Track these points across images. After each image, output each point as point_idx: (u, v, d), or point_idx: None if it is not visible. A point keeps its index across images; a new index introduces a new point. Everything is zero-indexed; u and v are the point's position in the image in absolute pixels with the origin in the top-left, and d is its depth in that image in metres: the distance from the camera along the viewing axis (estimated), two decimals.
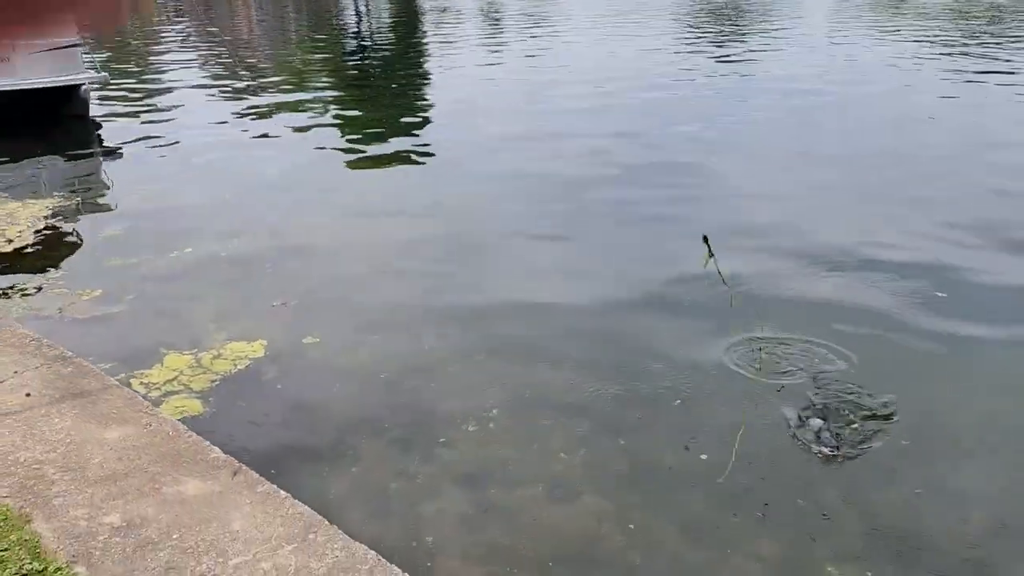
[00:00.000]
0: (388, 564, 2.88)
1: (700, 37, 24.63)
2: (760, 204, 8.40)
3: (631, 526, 3.79)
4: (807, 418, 4.43)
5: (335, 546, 2.95)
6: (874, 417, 4.54)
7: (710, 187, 9.10)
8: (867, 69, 17.68)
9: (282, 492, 3.28)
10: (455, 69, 19.27)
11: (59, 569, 2.78)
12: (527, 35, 26.42)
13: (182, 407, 4.51)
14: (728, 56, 20.04)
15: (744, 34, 25.33)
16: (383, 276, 6.75)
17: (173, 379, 4.85)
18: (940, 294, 6.15)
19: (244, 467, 3.45)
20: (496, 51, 22.18)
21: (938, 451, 4.31)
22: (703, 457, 4.24)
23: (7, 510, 3.08)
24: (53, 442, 3.57)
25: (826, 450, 4.12)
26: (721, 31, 26.42)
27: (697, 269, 6.48)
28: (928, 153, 10.45)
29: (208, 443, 3.62)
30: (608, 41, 24.03)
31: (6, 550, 2.85)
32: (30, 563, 2.79)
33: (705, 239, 3.66)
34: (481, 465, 4.23)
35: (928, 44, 21.48)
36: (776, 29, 26.68)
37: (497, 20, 33.32)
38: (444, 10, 34.40)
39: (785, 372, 5.01)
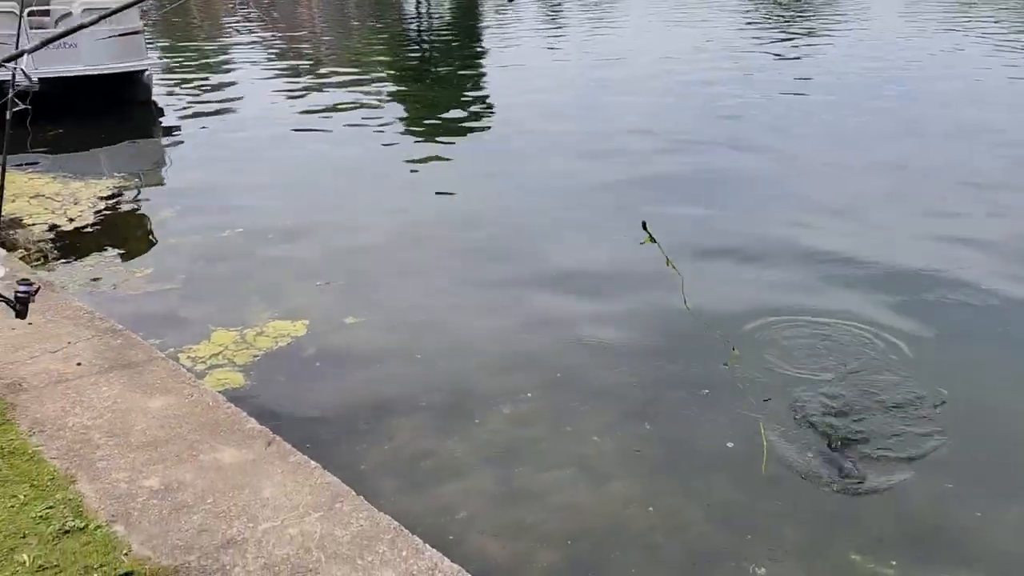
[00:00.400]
0: (410, 534, 2.95)
1: (765, 27, 24.12)
2: (823, 209, 8.03)
3: (656, 509, 3.80)
4: (830, 449, 4.25)
5: (360, 515, 3.03)
6: (914, 409, 4.46)
7: (765, 187, 8.85)
8: (943, 63, 17.10)
9: (312, 463, 3.37)
10: (514, 59, 19.07)
11: (99, 527, 2.91)
12: (587, 26, 26.14)
13: (224, 380, 4.67)
14: (792, 49, 19.58)
15: (809, 27, 24.71)
16: (426, 260, 6.84)
17: (218, 353, 5.02)
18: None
19: (278, 438, 3.56)
20: (555, 42, 21.97)
21: (977, 448, 4.21)
22: (729, 445, 4.22)
23: (54, 471, 3.24)
24: (100, 409, 3.73)
25: (850, 480, 3.98)
26: (784, 21, 25.86)
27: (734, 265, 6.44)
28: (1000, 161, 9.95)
29: (245, 414, 3.73)
30: (670, 32, 23.54)
31: (51, 508, 3.00)
32: (72, 520, 2.93)
33: (644, 225, 3.67)
34: (513, 445, 4.28)
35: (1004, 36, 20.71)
36: (842, 20, 26.02)
37: (557, 11, 33.16)
38: (510, 1, 34.39)
39: (818, 363, 4.94)
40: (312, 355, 5.08)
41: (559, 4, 34.47)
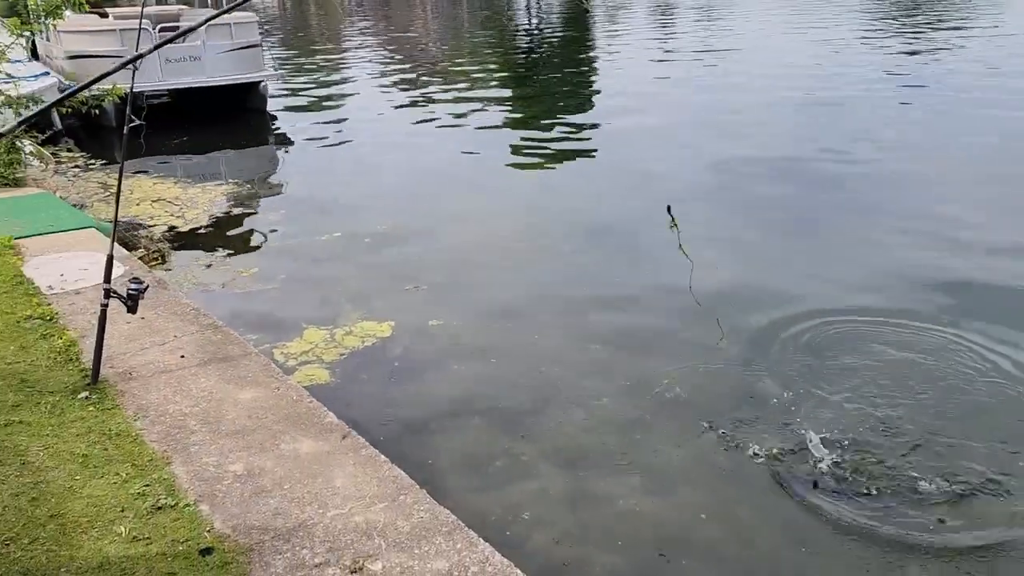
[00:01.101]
0: (466, 528, 3.09)
1: (889, 32, 23.14)
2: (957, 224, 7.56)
3: (722, 521, 3.81)
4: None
5: (421, 508, 3.20)
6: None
7: (889, 202, 8.30)
8: None
9: (382, 456, 3.57)
10: (623, 66, 18.95)
11: (187, 505, 3.20)
12: (699, 31, 25.74)
13: (311, 375, 4.97)
14: (922, 53, 18.68)
15: (941, 28, 23.54)
16: (514, 268, 7.00)
17: (308, 351, 5.34)
18: None
19: (353, 432, 3.78)
20: (666, 47, 21.70)
21: None
22: (805, 461, 4.17)
23: (153, 452, 3.57)
24: (197, 398, 4.06)
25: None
26: (912, 25, 24.76)
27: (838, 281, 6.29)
28: None
29: (325, 408, 3.98)
30: (786, 36, 22.81)
31: (147, 486, 3.31)
32: (165, 498, 3.23)
33: (668, 209, 3.67)
34: (583, 450, 4.37)
35: None
36: (974, 21, 24.68)
37: (669, 15, 32.85)
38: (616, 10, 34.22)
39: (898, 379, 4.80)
40: (395, 355, 5.33)
41: (671, 10, 34.12)
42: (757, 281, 6.38)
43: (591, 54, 22.83)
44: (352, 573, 2.85)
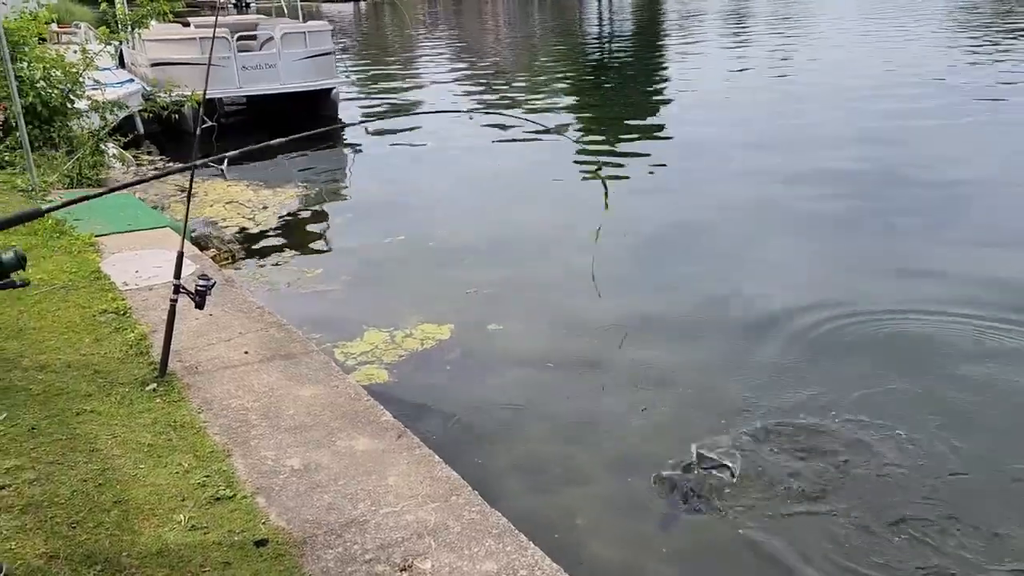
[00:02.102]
0: (517, 532, 3.08)
1: (975, 41, 22.33)
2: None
3: (782, 536, 3.70)
4: None
5: (472, 509, 3.20)
6: None
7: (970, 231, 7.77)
8: None
9: (435, 457, 3.58)
10: (694, 75, 18.66)
11: (245, 497, 3.26)
12: (774, 38, 25.21)
13: (370, 375, 5.03)
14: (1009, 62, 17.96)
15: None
16: (574, 274, 6.92)
17: (369, 351, 5.41)
18: None
19: (408, 431, 3.80)
20: (738, 55, 21.32)
21: None
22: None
23: (214, 444, 3.66)
24: (258, 393, 4.15)
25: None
26: (998, 33, 23.83)
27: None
28: None
29: (382, 408, 4.02)
30: (864, 43, 22.13)
31: (208, 477, 3.39)
32: (224, 489, 3.30)
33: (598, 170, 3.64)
34: (641, 459, 4.30)
35: None
36: None
37: (743, 22, 32.34)
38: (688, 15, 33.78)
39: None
40: (453, 358, 5.36)
41: (744, 18, 33.59)
42: (837, 295, 6.17)
43: (661, 62, 22.61)
44: (401, 571, 2.86)
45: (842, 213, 8.11)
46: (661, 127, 13.26)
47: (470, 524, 3.11)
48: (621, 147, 11.97)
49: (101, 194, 3.42)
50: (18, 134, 8.06)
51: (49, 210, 2.87)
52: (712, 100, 15.14)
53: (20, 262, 2.26)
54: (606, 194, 3.77)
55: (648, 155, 11.34)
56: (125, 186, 4.13)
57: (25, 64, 8.87)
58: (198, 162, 3.79)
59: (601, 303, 6.27)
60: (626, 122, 13.80)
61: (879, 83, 15.48)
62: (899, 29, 24.55)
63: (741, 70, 18.71)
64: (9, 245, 2.37)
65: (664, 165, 10.84)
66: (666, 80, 18.82)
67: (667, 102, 15.96)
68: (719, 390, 4.91)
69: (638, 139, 12.37)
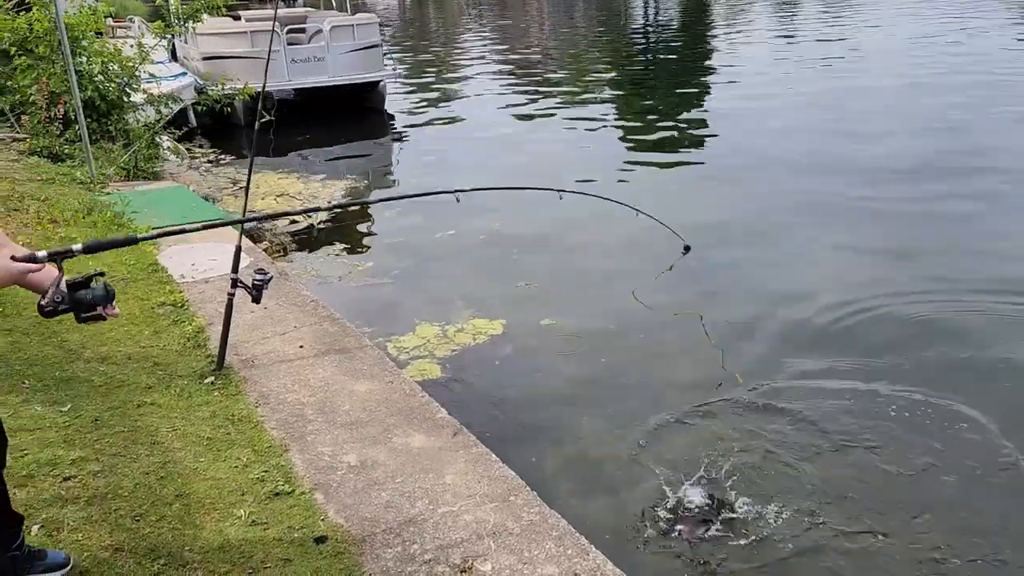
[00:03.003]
0: (578, 535, 3.03)
1: None
2: None
3: (842, 540, 3.59)
4: None
5: (532, 510, 3.16)
6: None
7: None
8: None
9: (493, 455, 3.54)
10: (742, 66, 18.16)
11: (303, 493, 3.26)
12: (826, 26, 24.60)
13: (423, 370, 5.01)
14: None
15: None
16: (629, 269, 6.87)
17: (421, 346, 5.39)
18: None
19: (464, 429, 3.77)
20: (791, 44, 20.79)
21: None
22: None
23: (272, 439, 3.67)
24: (314, 388, 4.16)
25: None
26: None
27: None
28: None
29: (437, 404, 4.00)
30: (923, 32, 21.23)
31: (267, 472, 3.40)
32: (282, 485, 3.30)
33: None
34: (694, 459, 4.21)
35: None
36: None
37: (794, 10, 31.65)
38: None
39: None
40: (506, 353, 5.31)
41: (794, 7, 32.89)
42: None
43: (709, 52, 22.24)
44: (461, 572, 2.83)
45: (907, 209, 7.86)
46: (706, 121, 12.94)
47: (529, 526, 3.07)
48: (667, 141, 11.80)
49: (198, 228, 3.76)
50: (77, 127, 8.21)
51: (144, 239, 2.95)
52: (760, 92, 14.81)
53: (109, 296, 2.24)
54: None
55: (694, 149, 11.17)
56: (219, 224, 4.31)
57: (84, 59, 9.03)
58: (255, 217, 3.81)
59: (658, 298, 6.19)
60: (671, 115, 13.55)
61: (940, 73, 15.01)
62: (962, 19, 23.79)
63: (792, 60, 18.30)
64: (96, 270, 2.36)
65: (711, 156, 10.67)
66: (713, 71, 18.48)
67: (713, 94, 15.66)
68: (781, 393, 4.78)
69: (683, 132, 12.16)
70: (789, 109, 13.10)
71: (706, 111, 13.70)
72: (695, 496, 3.88)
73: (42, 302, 2.17)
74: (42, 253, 2.20)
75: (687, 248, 5.77)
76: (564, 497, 3.77)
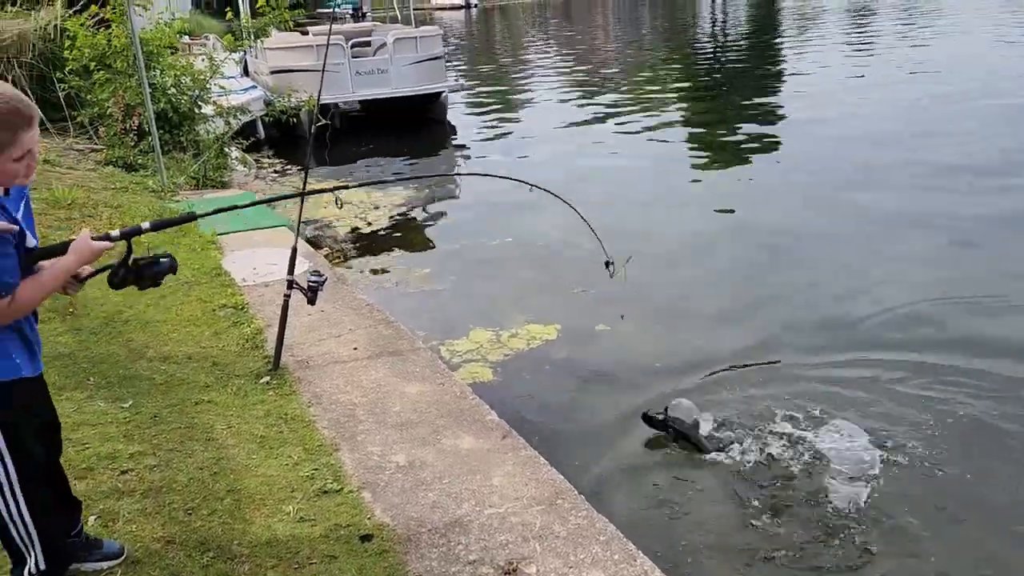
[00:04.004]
0: (625, 539, 2.96)
1: None
2: None
3: (903, 566, 3.43)
4: None
5: (579, 514, 3.10)
6: None
7: None
8: None
9: (541, 458, 3.50)
10: (811, 76, 17.75)
11: (351, 492, 3.28)
12: (900, 35, 23.86)
13: (475, 374, 5.01)
14: None
15: None
16: (689, 275, 6.78)
17: (474, 350, 5.39)
18: None
19: (513, 432, 3.74)
20: (863, 54, 20.18)
21: None
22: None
23: (323, 438, 3.70)
24: (366, 389, 4.19)
25: None
26: None
27: None
28: None
29: (487, 407, 3.98)
30: (996, 43, 20.39)
31: (316, 470, 3.43)
32: (331, 483, 3.33)
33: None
34: (750, 472, 4.08)
35: None
36: None
37: (867, 18, 30.85)
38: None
39: None
40: (560, 358, 5.27)
41: (866, 15, 32.08)
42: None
43: (778, 60, 21.83)
44: (506, 574, 2.79)
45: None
46: (775, 132, 12.62)
47: (576, 529, 3.02)
48: (732, 150, 11.59)
49: (248, 205, 4.01)
50: (151, 138, 8.51)
51: (202, 215, 3.09)
52: (828, 100, 14.45)
53: (173, 265, 2.49)
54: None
55: (762, 159, 10.94)
56: (280, 198, 4.53)
57: (158, 72, 9.37)
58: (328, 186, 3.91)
59: (714, 305, 6.07)
60: (738, 124, 13.30)
61: (1010, 83, 14.39)
62: None
63: (864, 68, 17.82)
64: (162, 250, 2.54)
65: (776, 162, 10.44)
66: (782, 81, 18.08)
67: (782, 104, 15.33)
68: (842, 404, 4.62)
69: (751, 142, 11.93)
70: (860, 118, 12.70)
71: (774, 118, 13.45)
72: (750, 507, 3.77)
73: (113, 279, 2.42)
74: (115, 232, 2.39)
75: (609, 264, 5.75)
76: (611, 502, 3.69)
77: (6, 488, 2.29)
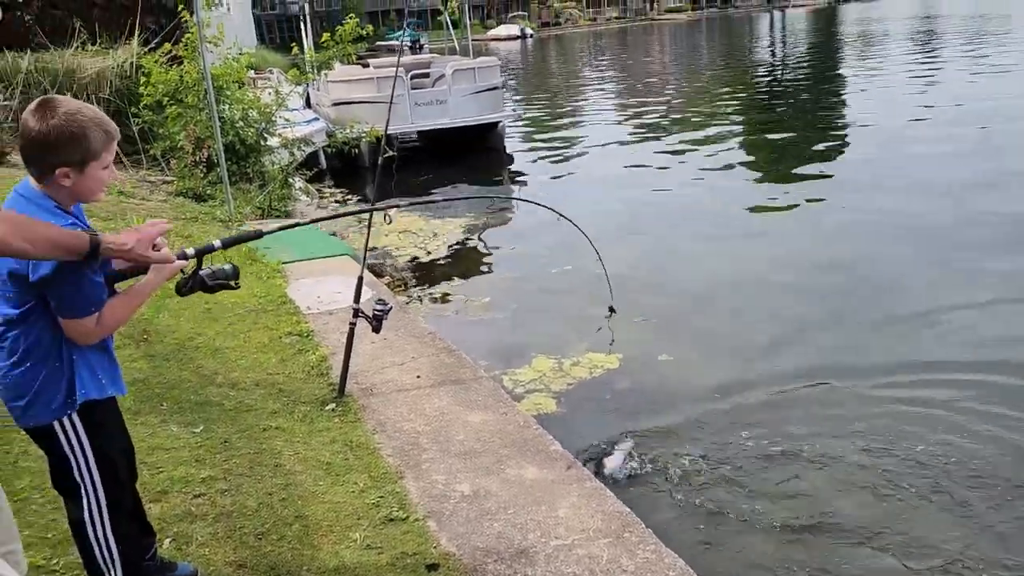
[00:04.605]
0: (694, 574, 2.90)
1: None
2: None
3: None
4: None
5: (647, 548, 3.05)
6: None
7: None
8: None
9: (607, 491, 3.46)
10: (876, 103, 17.43)
11: (416, 520, 3.28)
12: (970, 59, 23.26)
13: (538, 403, 4.99)
14: None
15: None
16: (752, 306, 6.66)
17: (536, 379, 5.38)
18: None
19: (577, 462, 3.71)
20: (928, 81, 19.75)
21: None
22: None
23: (388, 466, 3.72)
24: (430, 417, 4.20)
25: None
26: None
27: None
28: None
29: (551, 437, 3.95)
30: None
31: (382, 497, 3.45)
32: (397, 511, 3.34)
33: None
34: (826, 517, 3.95)
35: None
36: None
37: (931, 43, 30.22)
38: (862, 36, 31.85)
39: None
40: (622, 388, 5.22)
41: (931, 43, 31.44)
42: None
43: (837, 90, 21.47)
44: None
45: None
46: (836, 162, 12.28)
47: (644, 564, 2.97)
48: (792, 181, 11.41)
49: (307, 223, 4.09)
50: (219, 170, 8.78)
51: (268, 232, 3.22)
52: (891, 133, 14.12)
53: (235, 274, 2.62)
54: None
55: (824, 184, 10.77)
56: (331, 217, 4.76)
57: (227, 106, 9.68)
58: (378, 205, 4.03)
59: (779, 337, 5.95)
60: (798, 156, 13.10)
61: None
62: None
63: (927, 100, 17.38)
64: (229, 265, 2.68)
65: (839, 194, 10.24)
66: (842, 109, 17.77)
67: (843, 135, 15.06)
68: (916, 447, 4.46)
69: (811, 174, 11.73)
70: (923, 150, 12.36)
71: (835, 150, 13.20)
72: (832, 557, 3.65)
73: (182, 289, 2.57)
74: (190, 250, 2.51)
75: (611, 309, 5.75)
76: (677, 538, 3.61)
77: (95, 511, 2.36)
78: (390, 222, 4.21)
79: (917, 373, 5.21)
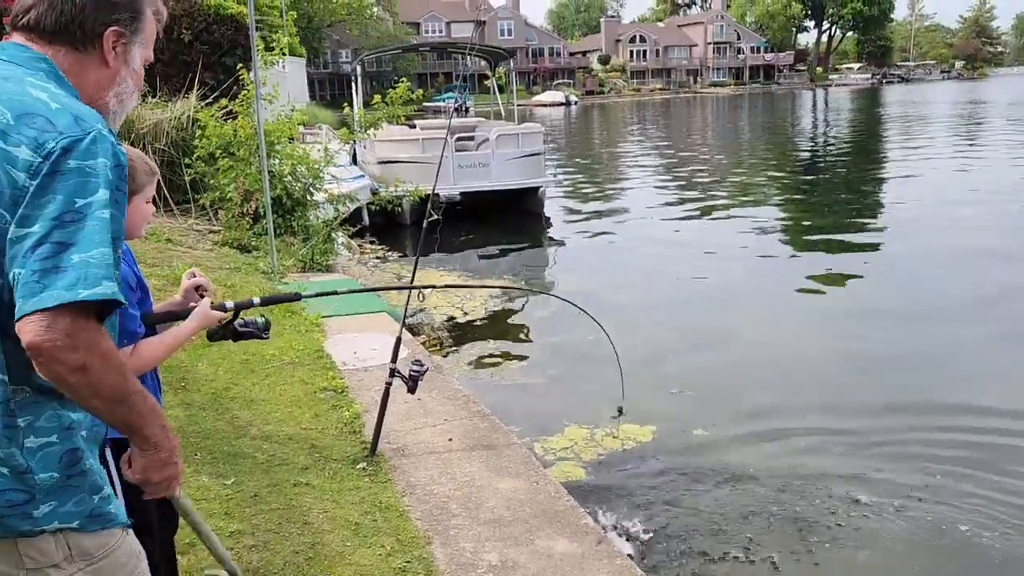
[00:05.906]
0: None
1: None
2: None
3: None
4: None
5: None
6: None
7: None
8: None
9: (637, 569, 3.38)
10: (916, 184, 17.34)
11: None
12: (1012, 145, 23.12)
13: (568, 472, 4.92)
14: None
15: None
16: (791, 382, 6.59)
17: (568, 447, 5.32)
18: None
19: (608, 537, 3.64)
20: (969, 164, 19.67)
21: None
22: None
23: (416, 530, 3.68)
24: (460, 482, 4.16)
25: None
26: None
27: None
28: None
29: (582, 510, 3.89)
30: None
31: (408, 562, 3.40)
32: None
33: None
34: None
35: None
36: None
37: (975, 129, 30.10)
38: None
39: None
40: (654, 462, 5.14)
41: (977, 121, 31.36)
42: None
43: (882, 167, 21.43)
44: None
45: None
46: (874, 244, 12.20)
47: None
48: (835, 254, 11.34)
49: (347, 292, 4.54)
50: (265, 222, 8.97)
51: (306, 296, 3.25)
52: (934, 211, 14.01)
53: (267, 327, 2.66)
54: None
55: (867, 261, 10.68)
56: (368, 290, 4.96)
57: (277, 160, 9.94)
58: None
59: (816, 420, 5.84)
60: (843, 230, 13.01)
61: None
62: None
63: (971, 183, 17.23)
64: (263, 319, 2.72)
65: (882, 273, 10.13)
66: (882, 191, 17.67)
67: (886, 208, 15.00)
68: (965, 524, 4.31)
69: (855, 246, 11.66)
70: (966, 230, 12.24)
71: (879, 227, 13.14)
72: None
73: (213, 336, 2.60)
74: (230, 303, 2.58)
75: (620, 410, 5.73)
76: None
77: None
78: (423, 299, 4.32)
79: (979, 468, 5.02)
